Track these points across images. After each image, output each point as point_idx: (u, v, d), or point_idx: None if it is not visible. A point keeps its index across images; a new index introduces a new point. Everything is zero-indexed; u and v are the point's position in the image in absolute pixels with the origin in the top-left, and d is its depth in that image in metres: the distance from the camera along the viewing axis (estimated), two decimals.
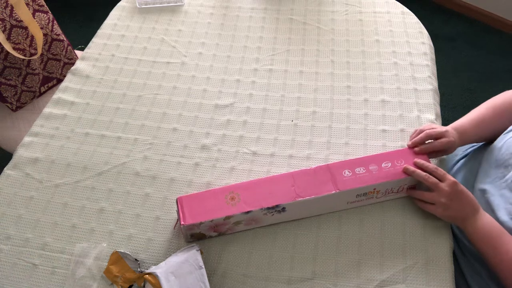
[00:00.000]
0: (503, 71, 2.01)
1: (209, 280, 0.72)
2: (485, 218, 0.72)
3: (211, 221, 0.72)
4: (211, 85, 1.04)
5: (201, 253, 0.72)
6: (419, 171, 0.75)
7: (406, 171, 0.76)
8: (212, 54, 1.11)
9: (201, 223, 0.71)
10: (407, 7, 1.22)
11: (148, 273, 0.69)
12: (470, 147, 0.94)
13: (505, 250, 0.67)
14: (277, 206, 0.73)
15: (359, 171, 0.77)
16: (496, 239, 0.69)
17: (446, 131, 0.79)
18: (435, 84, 1.02)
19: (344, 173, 0.77)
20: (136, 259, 0.74)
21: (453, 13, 2.29)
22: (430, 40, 1.13)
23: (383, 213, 0.80)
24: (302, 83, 1.03)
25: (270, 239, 0.78)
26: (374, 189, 0.77)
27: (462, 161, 0.93)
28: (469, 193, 0.74)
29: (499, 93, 0.86)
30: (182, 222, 0.71)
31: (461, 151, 0.96)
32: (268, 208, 0.73)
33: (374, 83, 1.02)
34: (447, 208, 0.73)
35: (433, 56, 1.10)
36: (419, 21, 1.18)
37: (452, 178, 0.74)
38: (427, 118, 0.94)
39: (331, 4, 1.23)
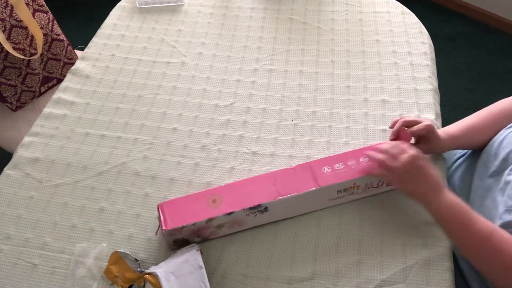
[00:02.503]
0: (503, 71, 2.01)
1: (209, 280, 0.72)
2: (451, 197, 0.68)
3: (193, 224, 0.71)
4: (211, 85, 1.04)
5: (201, 253, 0.72)
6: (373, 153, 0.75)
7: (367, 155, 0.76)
8: (212, 54, 1.11)
9: (183, 227, 0.70)
10: (407, 7, 1.22)
11: (148, 273, 0.69)
12: None
13: (475, 228, 0.64)
14: (259, 205, 0.73)
15: (338, 167, 0.77)
16: (465, 217, 0.66)
17: (426, 119, 0.79)
18: (435, 84, 1.02)
19: (324, 169, 0.77)
20: (136, 259, 0.74)
21: (453, 13, 2.30)
22: (430, 40, 1.13)
23: (383, 213, 0.80)
24: (302, 83, 1.03)
25: (270, 239, 0.78)
26: (354, 184, 0.77)
27: (460, 159, 0.93)
28: (432, 170, 0.69)
29: (499, 93, 0.86)
30: (164, 227, 0.70)
31: (459, 150, 0.96)
32: (250, 208, 0.73)
33: (374, 83, 1.02)
34: (402, 181, 0.70)
35: (433, 56, 1.10)
36: (419, 21, 1.18)
37: (414, 152, 0.69)
38: (427, 118, 0.94)
39: (331, 4, 1.23)
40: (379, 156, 0.73)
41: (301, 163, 0.79)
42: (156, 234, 0.78)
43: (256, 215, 0.75)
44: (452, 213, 0.67)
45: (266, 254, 0.76)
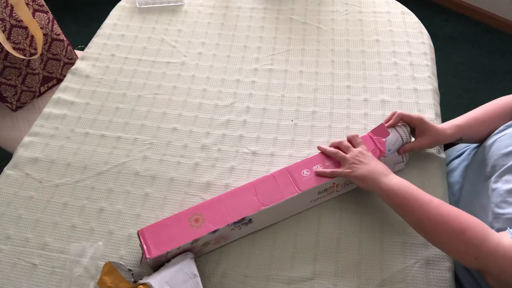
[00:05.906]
0: (503, 71, 2.01)
1: (209, 280, 0.72)
2: (400, 178, 0.72)
3: (178, 248, 0.69)
4: (211, 85, 1.04)
5: (195, 260, 0.71)
6: (329, 148, 0.80)
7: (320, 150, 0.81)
8: (212, 54, 1.11)
9: (168, 252, 0.68)
10: (407, 7, 1.22)
11: (142, 283, 0.67)
12: (465, 147, 0.94)
13: (428, 198, 0.67)
14: (243, 219, 0.72)
15: (316, 169, 0.77)
16: (416, 191, 0.68)
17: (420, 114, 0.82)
18: (435, 84, 1.02)
19: (303, 173, 0.77)
20: (129, 269, 0.72)
21: (453, 13, 2.30)
22: (430, 40, 1.13)
23: (383, 213, 0.80)
24: (302, 83, 1.03)
25: (270, 239, 0.78)
26: (334, 183, 0.77)
27: (454, 161, 0.93)
28: (379, 162, 0.75)
29: (499, 93, 0.86)
30: (148, 256, 0.67)
31: (455, 151, 0.96)
32: (235, 223, 0.72)
33: (374, 83, 1.02)
34: (355, 167, 0.74)
35: (433, 56, 1.10)
36: (419, 21, 1.18)
37: (363, 147, 0.78)
38: (427, 118, 0.94)
39: (331, 4, 1.23)
40: (333, 149, 0.79)
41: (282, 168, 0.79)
42: (141, 263, 0.75)
43: (240, 228, 0.74)
44: (404, 188, 0.69)
45: (266, 254, 0.76)
